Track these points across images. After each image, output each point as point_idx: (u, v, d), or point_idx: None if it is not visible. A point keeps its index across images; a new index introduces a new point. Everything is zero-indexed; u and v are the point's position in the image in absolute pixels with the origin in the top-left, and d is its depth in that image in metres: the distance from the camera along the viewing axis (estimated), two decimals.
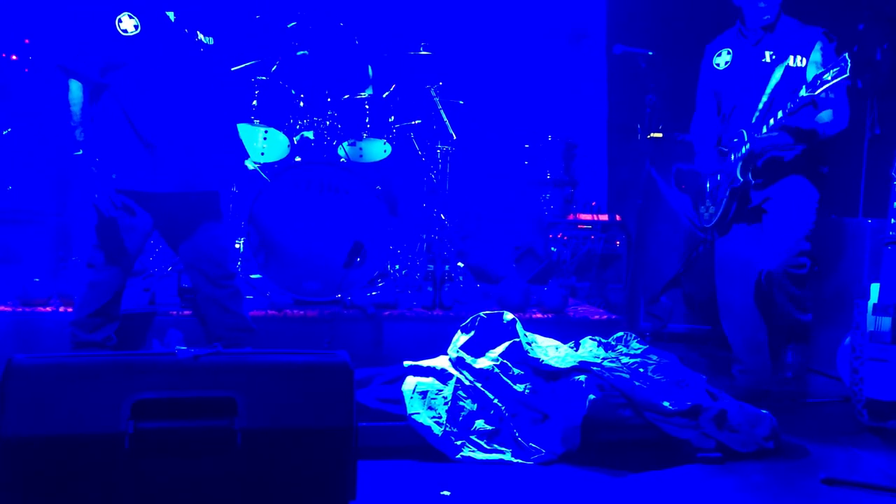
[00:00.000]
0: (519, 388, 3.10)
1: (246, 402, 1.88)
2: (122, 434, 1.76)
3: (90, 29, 3.27)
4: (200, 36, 3.41)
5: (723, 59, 4.08)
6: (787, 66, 3.81)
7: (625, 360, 3.31)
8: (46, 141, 5.31)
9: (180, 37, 3.34)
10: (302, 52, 4.84)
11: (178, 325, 3.85)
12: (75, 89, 3.27)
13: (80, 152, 3.24)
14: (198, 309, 3.67)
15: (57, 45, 5.14)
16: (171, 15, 3.34)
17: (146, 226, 3.39)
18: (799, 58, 3.81)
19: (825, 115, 3.77)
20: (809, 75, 3.67)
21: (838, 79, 3.46)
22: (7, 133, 5.33)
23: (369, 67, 5.03)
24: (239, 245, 4.50)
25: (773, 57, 3.88)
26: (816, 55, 3.81)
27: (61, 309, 3.91)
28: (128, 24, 3.26)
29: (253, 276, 4.51)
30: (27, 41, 5.53)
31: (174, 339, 3.73)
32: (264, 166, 4.57)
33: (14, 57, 5.48)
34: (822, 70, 3.57)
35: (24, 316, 3.87)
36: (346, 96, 4.83)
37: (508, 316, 3.38)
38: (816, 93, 3.52)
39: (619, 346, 3.46)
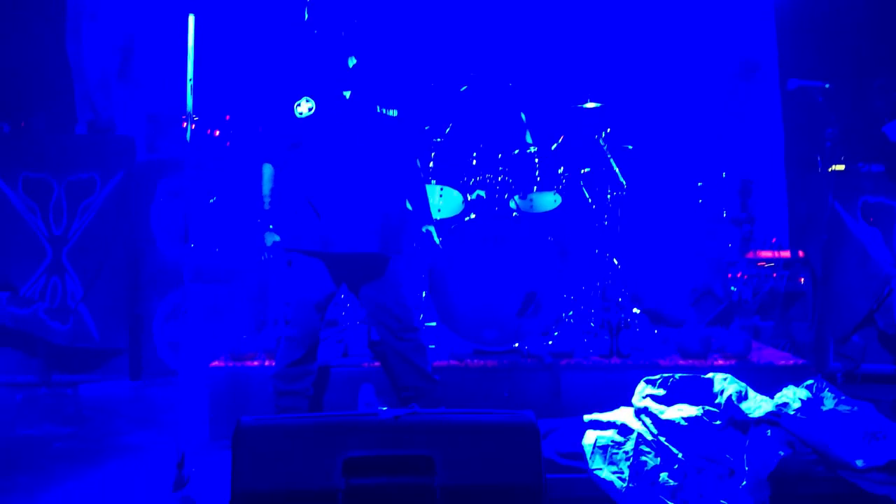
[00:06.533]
0: (705, 442, 3.08)
1: (443, 459, 2.03)
2: (336, 490, 1.95)
3: (274, 115, 3.66)
4: (381, 109, 3.68)
5: None
6: None
7: (818, 410, 3.21)
8: (245, 206, 5.85)
9: (354, 113, 3.63)
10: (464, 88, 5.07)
11: (370, 376, 4.11)
12: (267, 166, 3.69)
13: (267, 218, 3.62)
14: (385, 360, 3.92)
15: (251, 130, 5.73)
16: (346, 94, 3.63)
17: (325, 282, 3.66)
18: None
19: None
20: None
21: None
22: (213, 201, 5.91)
23: (523, 115, 5.17)
24: (421, 298, 4.74)
25: None
26: None
27: (266, 363, 4.27)
28: (304, 107, 3.61)
29: (430, 325, 4.72)
30: (227, 117, 6.14)
31: (368, 392, 3.99)
32: (441, 222, 4.82)
33: (217, 133, 6.09)
34: None
35: (234, 370, 4.26)
36: (517, 151, 5.01)
37: (709, 376, 3.35)
38: None
39: (812, 396, 3.35)
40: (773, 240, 6.17)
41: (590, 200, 5.24)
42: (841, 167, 5.49)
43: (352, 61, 3.65)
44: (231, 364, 4.30)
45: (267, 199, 3.70)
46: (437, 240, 3.92)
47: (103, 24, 6.23)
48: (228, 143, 6.12)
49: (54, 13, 6.04)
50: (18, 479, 3.60)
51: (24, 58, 5.97)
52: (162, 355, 5.85)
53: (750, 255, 6.01)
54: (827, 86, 5.40)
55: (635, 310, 5.05)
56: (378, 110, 3.68)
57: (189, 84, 3.51)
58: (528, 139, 5.12)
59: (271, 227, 3.65)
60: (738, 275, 5.93)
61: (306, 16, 4.80)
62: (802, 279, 5.84)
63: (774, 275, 5.90)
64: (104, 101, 6.19)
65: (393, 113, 3.71)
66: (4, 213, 5.74)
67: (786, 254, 5.92)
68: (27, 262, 5.75)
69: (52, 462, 3.89)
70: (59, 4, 6.06)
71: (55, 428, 4.60)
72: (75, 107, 6.16)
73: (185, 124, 5.58)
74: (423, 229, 3.94)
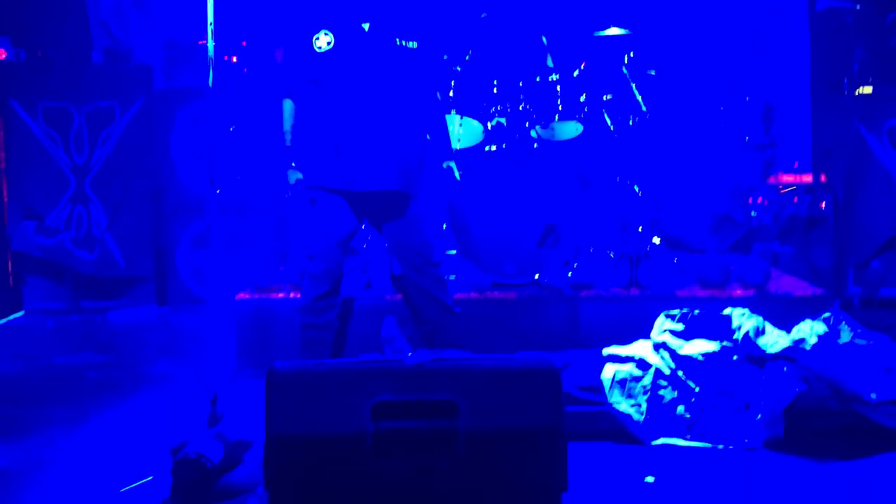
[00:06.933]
0: (722, 377, 3.14)
1: (466, 403, 2.10)
2: (365, 433, 2.03)
3: (293, 49, 3.62)
4: (401, 41, 3.63)
5: None
6: None
7: (834, 344, 3.25)
8: (263, 135, 5.83)
9: (374, 46, 3.58)
10: (484, 15, 5.00)
11: (392, 309, 4.18)
12: (288, 101, 3.68)
13: (288, 154, 3.63)
14: (407, 293, 3.98)
15: (268, 56, 5.66)
16: (365, 26, 3.58)
17: (347, 219, 3.69)
18: None
19: None
20: None
21: None
22: (232, 129, 5.90)
23: (545, 39, 5.06)
24: (441, 231, 4.77)
25: None
26: None
27: (291, 295, 4.35)
28: (322, 41, 3.56)
29: (450, 252, 4.76)
30: (244, 43, 6.06)
31: (390, 324, 4.07)
32: (460, 152, 4.80)
33: (234, 59, 6.03)
34: None
35: (260, 303, 4.34)
36: (538, 79, 4.95)
37: (727, 311, 3.38)
38: None
39: (828, 330, 3.38)
40: (796, 164, 6.10)
41: (612, 128, 5.19)
42: (868, 90, 5.39)
43: None
44: (256, 296, 4.37)
45: (288, 136, 3.70)
46: (457, 174, 3.92)
47: None
48: (245, 70, 6.07)
49: None
50: (57, 409, 3.74)
51: None
52: (186, 282, 5.95)
53: (771, 179, 5.96)
54: (857, 7, 5.26)
55: (655, 239, 5.06)
56: (397, 42, 3.63)
57: (210, 8, 3.46)
58: (550, 64, 5.04)
59: (294, 164, 3.66)
60: (759, 200, 5.90)
61: None
62: (824, 204, 5.80)
63: (796, 199, 5.87)
64: (120, 28, 6.12)
65: (412, 45, 3.66)
66: (26, 143, 5.77)
67: (808, 178, 5.86)
68: (51, 191, 5.81)
69: (87, 392, 4.03)
70: None
71: (88, 355, 4.75)
72: (91, 34, 6.10)
73: (203, 50, 5.53)
74: (444, 165, 3.94)
